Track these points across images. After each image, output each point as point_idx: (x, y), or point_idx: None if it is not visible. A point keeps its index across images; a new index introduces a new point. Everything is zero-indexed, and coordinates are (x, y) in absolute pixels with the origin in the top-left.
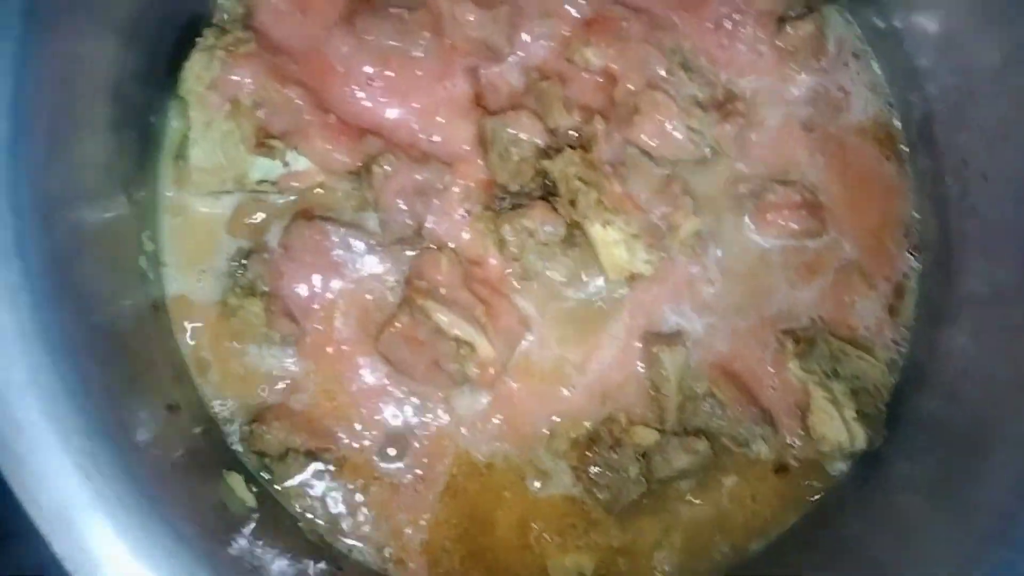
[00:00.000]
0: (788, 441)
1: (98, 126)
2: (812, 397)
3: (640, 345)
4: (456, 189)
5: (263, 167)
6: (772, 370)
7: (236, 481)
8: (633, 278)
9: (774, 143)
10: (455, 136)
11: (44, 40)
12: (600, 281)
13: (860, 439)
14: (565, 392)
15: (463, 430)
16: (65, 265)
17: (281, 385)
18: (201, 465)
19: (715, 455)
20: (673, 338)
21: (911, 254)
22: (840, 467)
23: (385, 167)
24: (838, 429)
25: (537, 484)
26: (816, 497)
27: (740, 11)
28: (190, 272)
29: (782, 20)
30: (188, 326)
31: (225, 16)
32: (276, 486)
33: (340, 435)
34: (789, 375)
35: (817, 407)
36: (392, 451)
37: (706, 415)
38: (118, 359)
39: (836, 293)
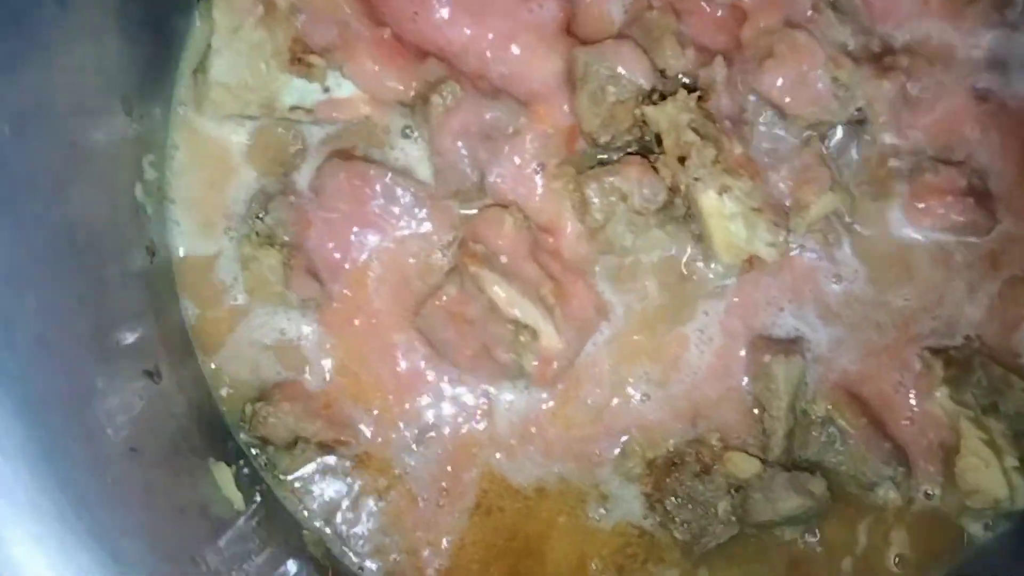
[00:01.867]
0: (925, 489)
1: (95, 21)
2: (963, 437)
3: (746, 352)
4: (530, 135)
5: (298, 90)
6: (912, 398)
7: (224, 476)
8: (751, 264)
9: (938, 112)
10: (536, 69)
11: None
12: (703, 264)
13: (1022, 496)
14: (645, 402)
15: (507, 437)
16: (15, 184)
17: (295, 358)
18: (179, 453)
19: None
20: (790, 347)
21: None
22: (990, 528)
23: (447, 98)
24: (994, 480)
25: (601, 511)
26: (955, 564)
27: None
28: (199, 211)
29: None
30: (190, 276)
31: None
32: (280, 477)
33: (361, 426)
34: (933, 406)
35: (968, 450)
36: (417, 453)
37: (821, 446)
38: (82, 307)
39: (1002, 308)
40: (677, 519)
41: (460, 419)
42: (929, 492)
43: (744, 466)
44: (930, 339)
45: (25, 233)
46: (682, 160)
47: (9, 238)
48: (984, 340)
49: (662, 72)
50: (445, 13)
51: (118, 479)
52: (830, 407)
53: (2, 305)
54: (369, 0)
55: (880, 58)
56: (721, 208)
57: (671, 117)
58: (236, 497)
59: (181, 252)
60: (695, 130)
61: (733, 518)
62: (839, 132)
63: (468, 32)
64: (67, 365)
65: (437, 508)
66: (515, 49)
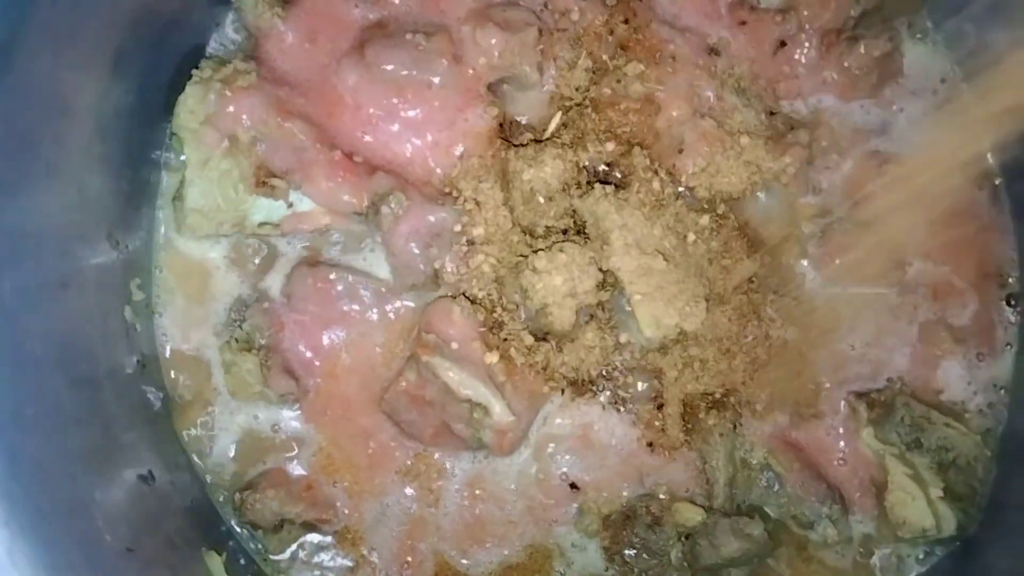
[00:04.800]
0: (860, 524)
1: (79, 162)
2: (890, 473)
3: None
4: (475, 230)
5: (264, 208)
6: (841, 440)
7: (215, 563)
8: (677, 334)
9: (842, 176)
10: (474, 173)
11: (5, 63)
12: (636, 336)
13: (949, 524)
14: (597, 463)
15: (467, 504)
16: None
17: (277, 448)
18: (173, 547)
19: (771, 539)
20: (722, 402)
21: (1008, 304)
22: (924, 558)
23: (394, 207)
24: (921, 511)
25: (565, 567)
26: None
27: (802, 30)
28: (185, 324)
29: (852, 40)
30: (180, 382)
31: (227, 46)
32: (270, 558)
33: (338, 504)
34: (861, 446)
35: (896, 485)
36: (383, 527)
37: (762, 491)
38: (78, 427)
39: (919, 350)
40: (635, 568)
41: (420, 492)
42: (864, 527)
43: (689, 515)
44: (855, 384)
45: (23, 362)
46: (605, 246)
47: (10, 370)
48: (906, 381)
49: (586, 166)
50: (393, 129)
51: None
52: (766, 454)
53: (8, 439)
54: (322, 127)
55: (783, 135)
56: (644, 287)
57: (590, 209)
58: None
59: (169, 363)
60: (614, 219)
61: (685, 563)
62: (752, 203)
63: (411, 145)
64: (66, 483)
65: None
66: (454, 156)
